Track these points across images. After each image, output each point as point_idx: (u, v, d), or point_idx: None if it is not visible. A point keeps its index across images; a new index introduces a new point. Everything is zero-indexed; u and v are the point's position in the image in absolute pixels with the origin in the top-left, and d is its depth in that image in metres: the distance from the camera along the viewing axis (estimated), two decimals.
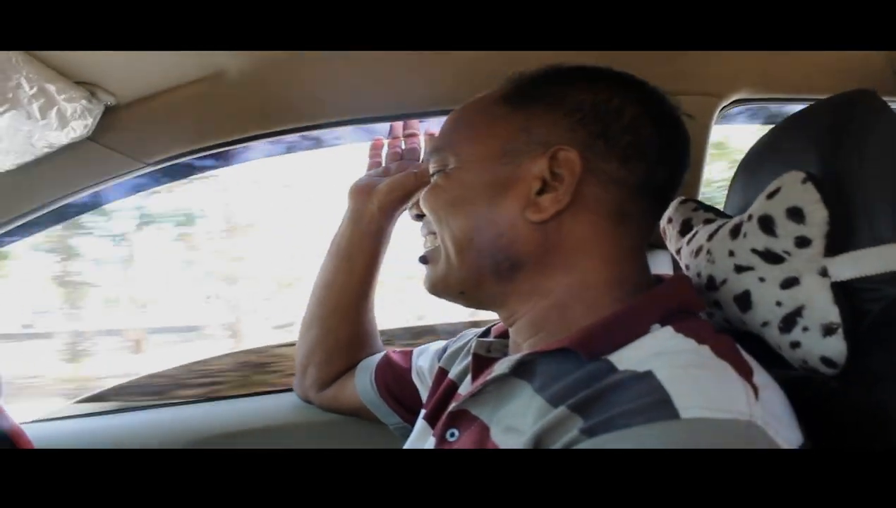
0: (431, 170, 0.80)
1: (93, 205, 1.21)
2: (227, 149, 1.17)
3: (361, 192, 1.16)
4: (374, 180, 1.16)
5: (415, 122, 1.22)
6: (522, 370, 0.70)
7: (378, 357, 1.15)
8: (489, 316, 0.85)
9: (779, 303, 0.72)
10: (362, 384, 1.12)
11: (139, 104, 1.09)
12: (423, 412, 0.89)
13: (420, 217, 0.83)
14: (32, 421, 1.24)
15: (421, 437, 0.84)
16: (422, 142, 1.21)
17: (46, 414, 1.26)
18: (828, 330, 0.68)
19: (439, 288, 0.80)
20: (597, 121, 0.72)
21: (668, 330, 0.65)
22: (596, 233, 0.72)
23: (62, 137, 1.01)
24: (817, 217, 0.69)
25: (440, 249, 0.78)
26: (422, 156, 1.21)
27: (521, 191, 0.72)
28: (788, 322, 0.71)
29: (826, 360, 0.68)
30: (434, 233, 0.79)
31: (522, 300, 0.75)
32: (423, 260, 0.82)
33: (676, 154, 0.76)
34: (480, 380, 0.75)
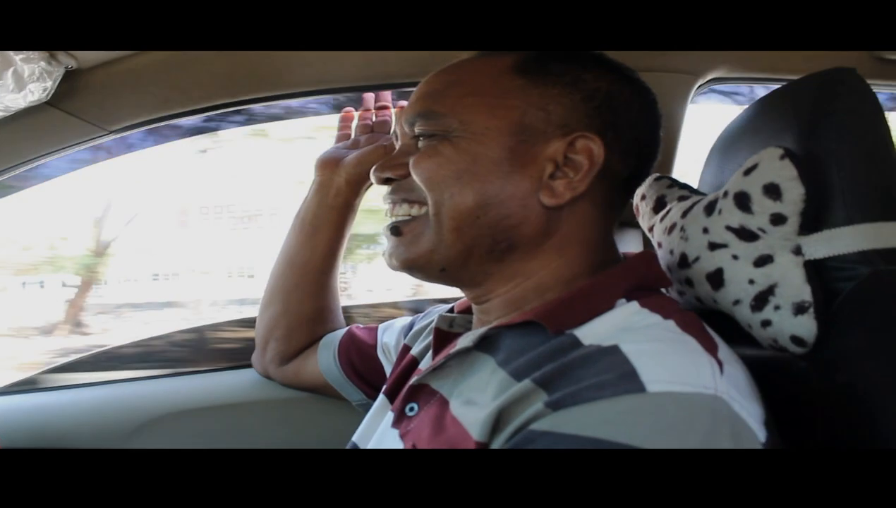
0: (420, 132, 0.74)
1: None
2: (191, 117, 1.13)
3: (328, 165, 1.13)
4: (342, 152, 1.13)
5: (386, 94, 1.20)
6: (486, 344, 0.70)
7: (341, 333, 1.12)
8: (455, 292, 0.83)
9: (751, 281, 0.71)
10: (325, 361, 1.10)
11: (101, 69, 1.06)
12: (384, 387, 0.87)
13: (389, 181, 0.77)
14: None
15: (380, 412, 0.83)
16: (393, 115, 1.19)
17: (4, 387, 1.23)
18: (799, 309, 0.67)
19: (419, 263, 0.74)
20: (610, 111, 0.72)
21: (634, 305, 0.65)
22: (589, 222, 0.73)
23: (19, 100, 0.97)
24: (794, 194, 0.68)
25: (425, 221, 0.73)
26: (392, 129, 1.17)
27: (533, 173, 0.70)
28: (760, 300, 0.71)
29: (796, 339, 0.68)
30: (411, 202, 0.75)
31: (503, 281, 0.74)
32: (396, 230, 0.76)
33: (657, 151, 0.78)
34: (443, 354, 0.74)
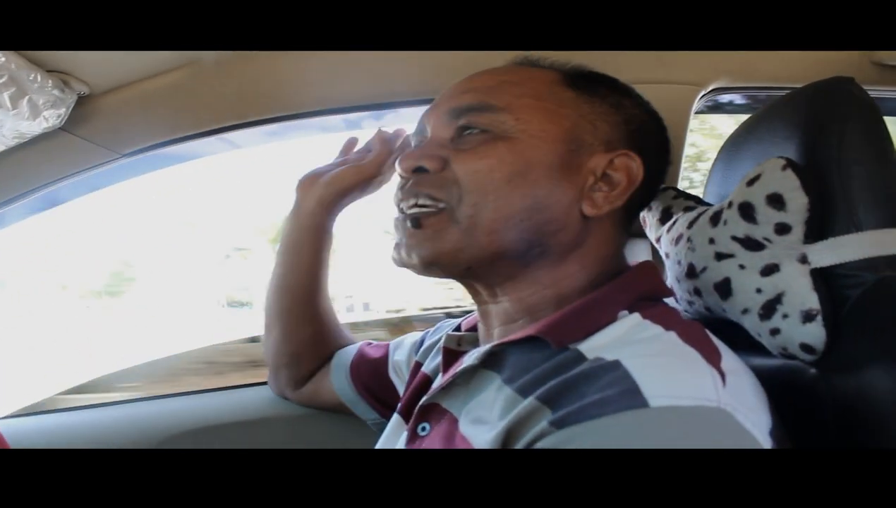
0: (469, 123, 0.72)
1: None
2: (202, 138, 1.15)
3: (304, 185, 1.08)
4: (320, 171, 1.09)
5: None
6: (491, 361, 0.70)
7: (352, 352, 1.11)
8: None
9: (759, 290, 0.72)
10: (339, 382, 1.10)
11: (113, 94, 1.08)
12: (398, 406, 0.87)
13: (419, 171, 0.72)
14: (5, 417, 1.22)
15: (395, 432, 0.83)
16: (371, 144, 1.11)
17: (21, 409, 1.24)
18: (807, 317, 0.68)
19: (442, 261, 0.71)
20: (643, 137, 0.75)
21: (636, 316, 0.65)
22: (608, 238, 0.75)
23: (34, 127, 0.99)
24: (797, 203, 0.69)
25: (450, 217, 0.70)
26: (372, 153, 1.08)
27: (577, 182, 0.71)
28: (768, 309, 0.71)
29: (805, 347, 0.68)
30: (436, 198, 0.71)
31: (524, 286, 0.73)
32: (416, 222, 0.71)
33: (663, 182, 0.81)
34: (450, 373, 0.74)
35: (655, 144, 0.77)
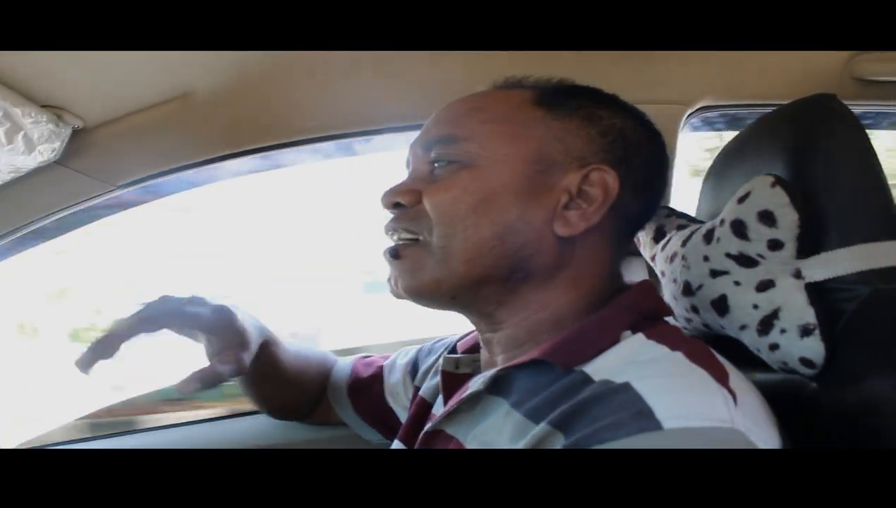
0: (438, 157, 0.72)
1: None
2: (197, 169, 1.15)
3: None
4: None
5: None
6: (497, 386, 0.70)
7: (346, 373, 1.08)
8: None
9: (755, 306, 0.73)
10: (343, 411, 1.08)
11: (107, 126, 1.08)
12: (399, 433, 0.86)
13: (398, 206, 0.74)
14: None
15: None
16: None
17: (12, 444, 1.23)
18: (805, 331, 0.69)
19: (426, 292, 0.72)
20: (624, 147, 0.73)
21: (640, 337, 0.65)
22: (601, 256, 0.74)
23: (29, 161, 0.99)
24: (788, 220, 0.70)
25: (427, 249, 0.71)
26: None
27: (548, 203, 0.70)
28: (766, 324, 0.72)
29: (805, 361, 0.69)
30: (411, 231, 0.72)
31: (515, 311, 0.72)
32: (395, 253, 0.73)
33: (665, 191, 0.80)
34: (455, 399, 0.73)
35: (643, 153, 0.75)
